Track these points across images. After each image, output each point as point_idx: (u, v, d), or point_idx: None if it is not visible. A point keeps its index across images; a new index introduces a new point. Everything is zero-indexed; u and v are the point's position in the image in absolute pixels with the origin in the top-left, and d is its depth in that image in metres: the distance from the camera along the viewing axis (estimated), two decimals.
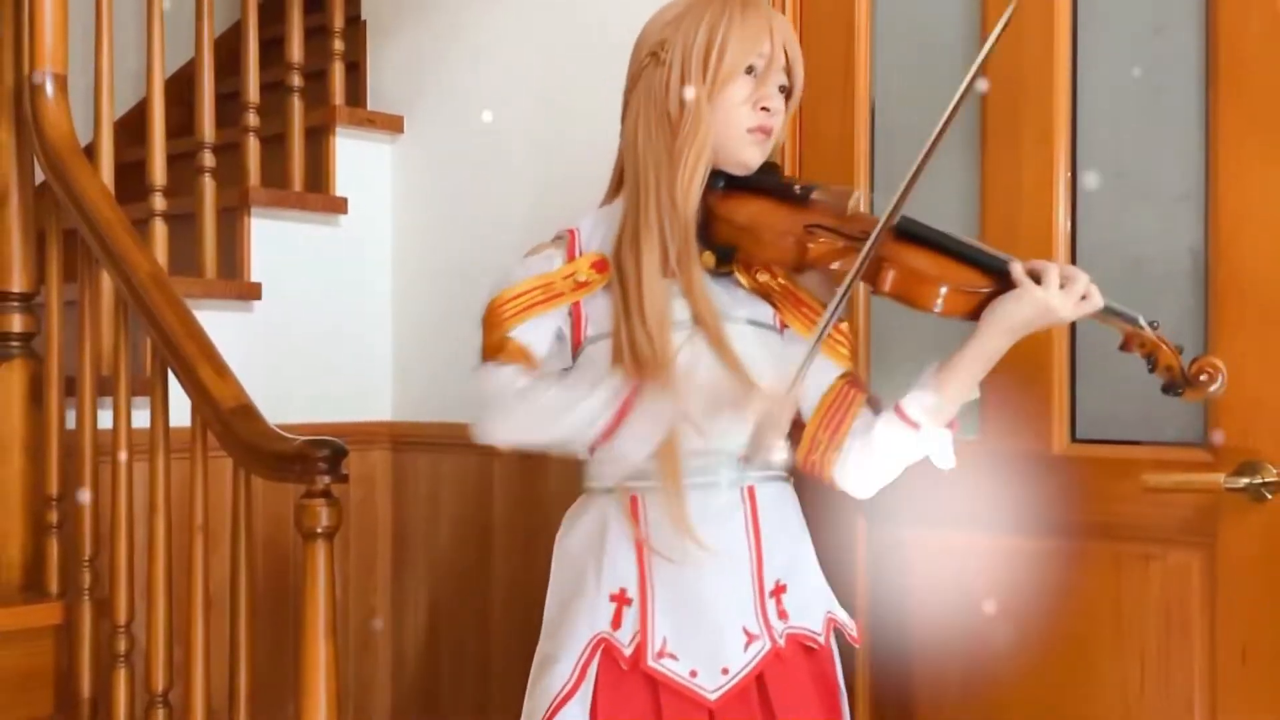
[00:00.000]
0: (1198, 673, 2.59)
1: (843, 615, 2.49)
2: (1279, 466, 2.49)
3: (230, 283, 3.74)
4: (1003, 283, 2.25)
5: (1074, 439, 2.77)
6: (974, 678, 2.85)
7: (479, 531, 3.79)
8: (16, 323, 3.39)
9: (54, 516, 3.28)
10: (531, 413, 2.33)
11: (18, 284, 3.38)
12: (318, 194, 3.97)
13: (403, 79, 4.09)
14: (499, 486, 3.73)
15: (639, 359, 2.26)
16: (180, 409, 2.94)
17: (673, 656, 2.29)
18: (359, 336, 3.99)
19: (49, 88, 3.33)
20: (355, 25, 4.23)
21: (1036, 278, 2.21)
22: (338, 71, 4.07)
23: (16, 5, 3.38)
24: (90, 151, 3.44)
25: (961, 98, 2.20)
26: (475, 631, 3.81)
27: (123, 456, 3.07)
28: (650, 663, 2.29)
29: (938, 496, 2.87)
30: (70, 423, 3.27)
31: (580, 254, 2.40)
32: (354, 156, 4.03)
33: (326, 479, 2.58)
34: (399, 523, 4.01)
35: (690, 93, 2.33)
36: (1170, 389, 2.32)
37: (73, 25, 3.40)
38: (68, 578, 3.27)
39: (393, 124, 4.06)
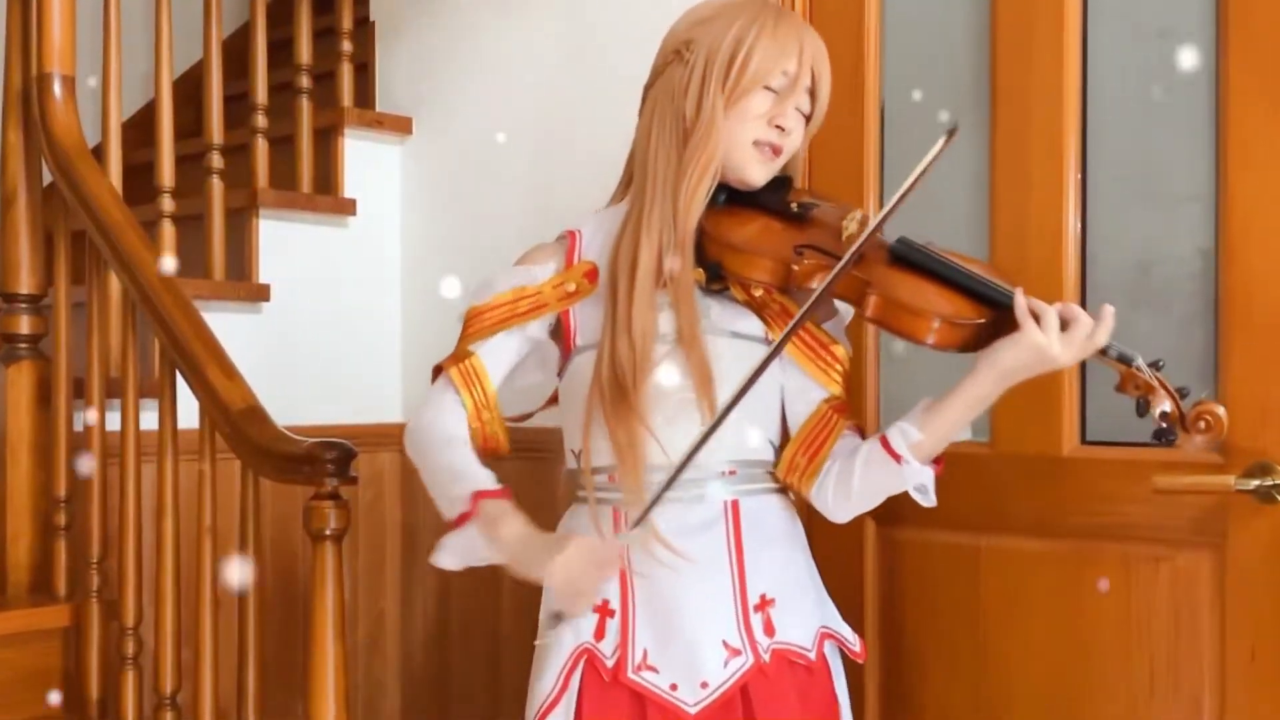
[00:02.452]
0: (1207, 674, 2.61)
1: (842, 630, 2.45)
2: None
3: (239, 284, 3.76)
4: (998, 315, 2.21)
5: (1084, 441, 2.79)
6: (984, 679, 2.86)
7: None
8: (24, 324, 3.41)
9: (62, 518, 3.30)
10: (422, 463, 2.42)
11: (25, 286, 3.40)
12: (326, 196, 3.99)
13: (412, 80, 4.11)
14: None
15: (617, 370, 2.25)
16: (188, 411, 2.97)
17: (653, 669, 2.28)
18: (368, 338, 4.01)
19: (57, 89, 3.35)
20: (364, 26, 4.25)
21: (1036, 318, 2.17)
22: (346, 73, 4.09)
23: (24, 6, 3.40)
24: (98, 153, 3.46)
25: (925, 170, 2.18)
26: (485, 633, 3.82)
27: (131, 458, 3.09)
28: (630, 675, 2.28)
29: (947, 499, 2.88)
30: (78, 424, 3.29)
31: (579, 258, 2.40)
32: (363, 158, 4.05)
33: (335, 481, 2.60)
34: (408, 524, 4.02)
35: (708, 99, 2.29)
36: (1162, 436, 2.21)
37: (81, 26, 3.42)
38: (76, 580, 3.29)
39: (402, 125, 4.07)
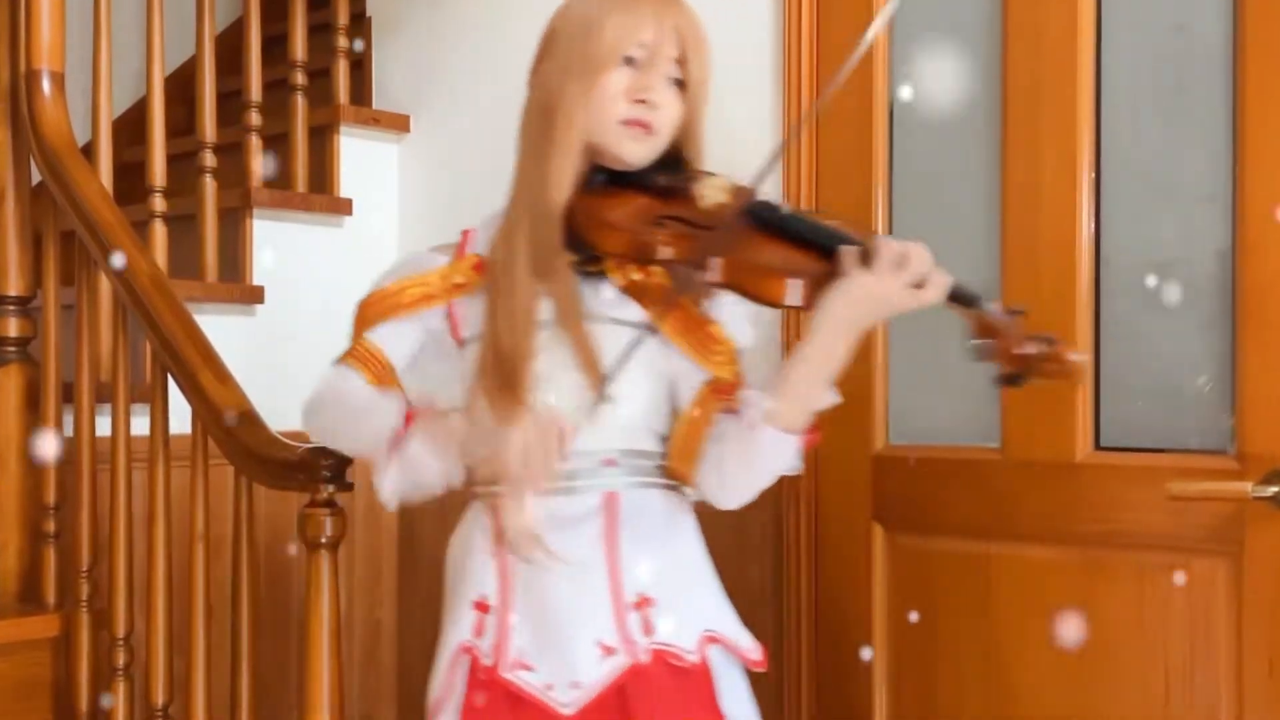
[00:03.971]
0: (1223, 685, 2.60)
1: (732, 634, 2.36)
2: None
3: (232, 286, 3.76)
4: (834, 265, 2.12)
5: (1097, 446, 2.78)
6: (994, 689, 2.86)
7: None
8: (12, 327, 3.40)
9: (51, 525, 3.29)
10: (338, 420, 2.36)
11: (14, 287, 3.40)
12: (322, 195, 4.00)
13: (409, 77, 4.12)
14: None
15: (498, 358, 2.23)
16: (180, 416, 2.96)
17: (528, 668, 2.25)
18: None
19: (46, 86, 3.35)
20: (360, 22, 4.25)
21: (867, 259, 2.07)
22: (342, 69, 4.09)
23: (12, 1, 3.39)
24: (88, 151, 3.46)
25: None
26: None
27: (121, 464, 3.09)
28: (505, 673, 2.26)
29: (956, 505, 2.89)
30: (68, 429, 3.29)
31: (469, 253, 2.39)
32: (359, 156, 4.05)
33: (331, 487, 2.60)
34: (405, 532, 4.02)
35: (563, 80, 2.28)
36: (1011, 379, 2.12)
37: (70, 21, 3.41)
38: (65, 588, 3.28)
39: (399, 123, 4.08)
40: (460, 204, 3.88)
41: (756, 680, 2.39)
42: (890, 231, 3.05)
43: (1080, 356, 2.16)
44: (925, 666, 2.97)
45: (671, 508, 2.37)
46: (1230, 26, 2.65)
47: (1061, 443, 2.78)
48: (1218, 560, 2.62)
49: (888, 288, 2.06)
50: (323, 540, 2.60)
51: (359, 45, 4.22)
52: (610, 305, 2.31)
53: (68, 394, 3.30)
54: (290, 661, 3.45)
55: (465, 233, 2.44)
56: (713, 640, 2.33)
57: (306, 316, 3.89)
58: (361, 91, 4.21)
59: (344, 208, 4.00)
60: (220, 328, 3.31)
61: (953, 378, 2.95)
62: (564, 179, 2.27)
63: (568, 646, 2.25)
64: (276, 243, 3.86)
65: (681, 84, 2.31)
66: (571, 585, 2.26)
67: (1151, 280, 2.73)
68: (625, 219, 2.25)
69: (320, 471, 2.59)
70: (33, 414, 3.36)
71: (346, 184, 4.03)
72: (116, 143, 3.64)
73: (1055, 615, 2.78)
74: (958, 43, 2.99)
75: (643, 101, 2.27)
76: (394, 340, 2.38)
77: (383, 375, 2.36)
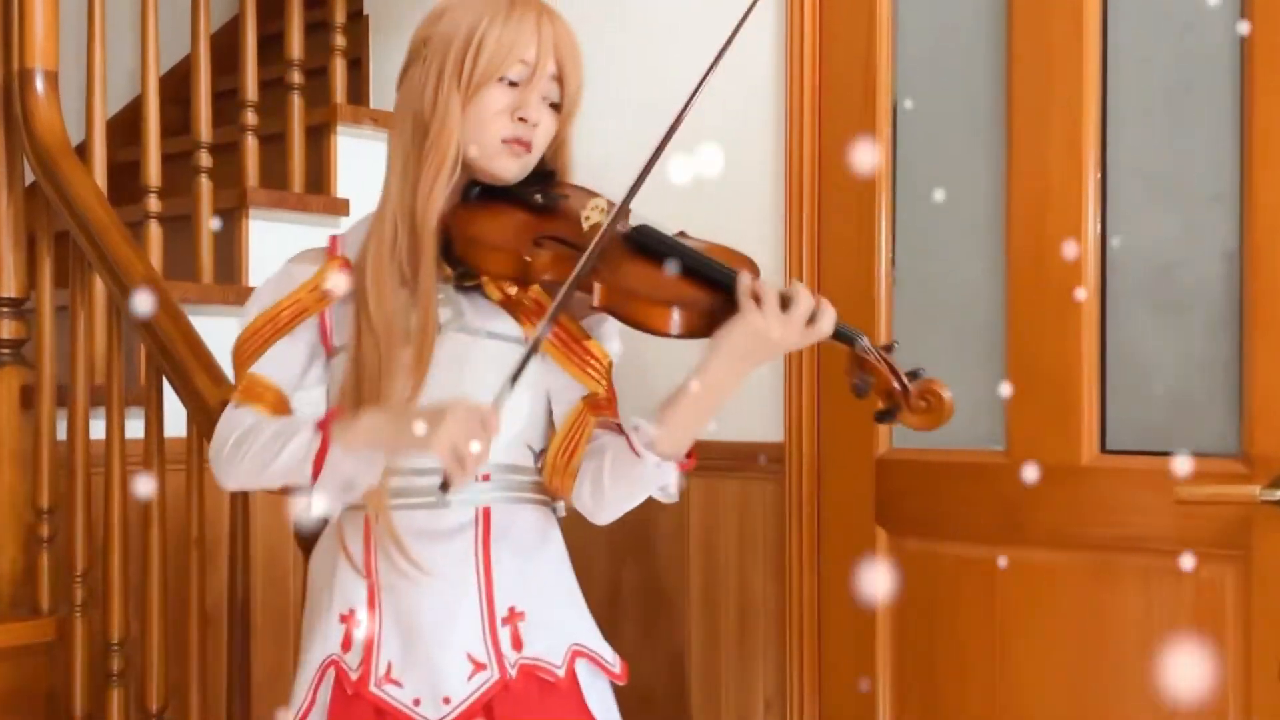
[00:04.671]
0: (1232, 692, 2.60)
1: (599, 649, 2.39)
2: None
3: (228, 287, 3.76)
4: (726, 298, 2.18)
5: (1104, 450, 2.78)
6: (1000, 695, 2.86)
7: None
8: (6, 329, 3.40)
9: (45, 530, 3.30)
10: (251, 455, 2.28)
11: (7, 289, 3.40)
12: (319, 195, 4.00)
13: None
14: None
15: (363, 372, 2.23)
16: (176, 418, 2.96)
17: (396, 683, 2.26)
18: None
19: (40, 85, 3.35)
20: (357, 20, 4.26)
21: (757, 300, 2.14)
22: (339, 68, 4.10)
23: (5, 0, 3.40)
24: (82, 151, 3.46)
25: (691, 100, 2.19)
26: None
27: (116, 467, 3.09)
28: (373, 689, 2.26)
29: (962, 508, 2.88)
30: (61, 433, 3.29)
31: (335, 258, 2.36)
32: (356, 156, 4.05)
33: None
34: None
35: (442, 95, 2.27)
36: (883, 416, 2.21)
37: (64, 20, 3.42)
38: (59, 593, 3.29)
39: None
40: None
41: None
42: (894, 234, 3.05)
43: (950, 395, 2.20)
44: (930, 673, 2.97)
45: (541, 523, 2.40)
46: (1238, 24, 2.64)
47: (1067, 446, 2.78)
48: (1225, 564, 2.62)
49: (774, 328, 2.13)
50: None
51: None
52: (485, 319, 2.33)
53: (61, 396, 3.31)
54: (288, 667, 3.44)
55: (333, 239, 2.41)
56: (580, 654, 2.35)
57: None
58: (359, 91, 4.21)
59: (341, 208, 4.00)
60: (216, 329, 3.29)
61: (956, 380, 2.95)
62: (439, 192, 2.27)
63: (437, 661, 2.26)
64: (272, 244, 3.86)
65: (557, 102, 2.34)
66: (442, 599, 2.27)
67: (1158, 281, 2.73)
68: (504, 239, 2.26)
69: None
70: (26, 416, 3.36)
71: (343, 184, 4.03)
72: (111, 143, 3.64)
73: (1061, 620, 2.78)
74: (962, 42, 2.99)
75: (523, 120, 2.29)
76: (278, 366, 2.34)
77: (278, 405, 2.34)
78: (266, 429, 2.28)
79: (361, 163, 4.06)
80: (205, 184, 3.76)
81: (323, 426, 2.22)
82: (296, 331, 2.34)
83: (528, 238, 2.26)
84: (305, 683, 2.32)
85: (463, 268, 2.30)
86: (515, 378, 2.12)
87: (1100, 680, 2.74)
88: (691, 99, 2.18)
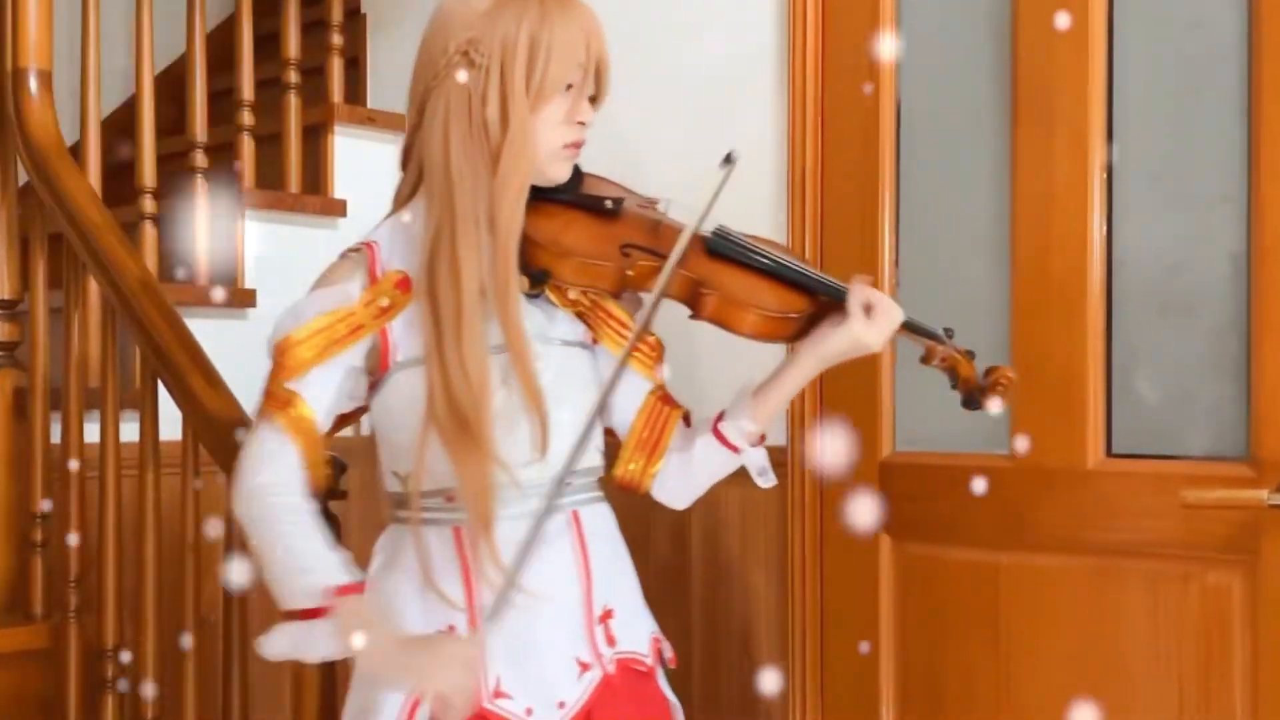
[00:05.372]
0: (1239, 699, 2.61)
1: (662, 636, 2.46)
2: None
3: (223, 289, 3.76)
4: (818, 305, 2.30)
5: (1109, 453, 2.79)
6: (1004, 700, 2.86)
7: None
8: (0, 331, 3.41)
9: (39, 534, 3.29)
10: (262, 530, 2.26)
11: (1, 291, 3.40)
12: (315, 196, 4.00)
13: (405, 75, 4.09)
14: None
15: (454, 401, 2.20)
16: (171, 422, 2.96)
17: (507, 696, 2.25)
18: None
19: (33, 84, 3.34)
20: (355, 19, 4.26)
21: (868, 309, 2.28)
22: (336, 67, 4.10)
23: None
24: (76, 151, 3.46)
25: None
26: None
27: (111, 471, 3.09)
28: (485, 704, 2.24)
29: (966, 512, 2.88)
30: (55, 436, 3.29)
31: (382, 270, 2.31)
32: (353, 156, 4.05)
33: (324, 496, 2.60)
34: None
35: (514, 107, 2.23)
36: (969, 403, 2.34)
37: (58, 18, 3.41)
38: (53, 599, 3.28)
39: (394, 122, 4.08)
40: None
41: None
42: (898, 236, 3.05)
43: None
44: (934, 679, 2.97)
45: (614, 520, 2.44)
46: (1245, 24, 2.65)
47: (1073, 449, 2.79)
48: (1233, 570, 2.62)
49: (870, 332, 2.27)
50: None
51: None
52: (554, 326, 2.34)
53: (55, 400, 3.30)
54: (284, 674, 3.44)
55: (369, 246, 2.35)
56: (658, 642, 2.43)
57: None
58: (356, 90, 4.21)
59: (338, 209, 4.00)
60: (211, 332, 3.30)
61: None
62: (520, 204, 2.25)
63: (549, 668, 2.28)
64: (269, 245, 3.86)
65: (593, 95, 2.34)
66: (551, 606, 2.28)
67: (1164, 283, 2.73)
68: (591, 247, 2.27)
69: None
70: (20, 420, 3.36)
71: (340, 185, 4.03)
72: (105, 143, 3.63)
73: (1067, 625, 2.79)
74: (966, 42, 2.99)
75: (580, 123, 2.30)
76: (323, 391, 2.30)
77: (311, 442, 2.30)
78: (289, 528, 2.26)
79: (359, 163, 4.06)
80: (201, 184, 3.76)
81: (331, 595, 2.20)
82: (348, 352, 2.30)
83: (615, 247, 2.28)
84: (397, 706, 2.26)
85: (540, 278, 2.29)
86: (599, 410, 2.26)
87: (1106, 688, 2.74)
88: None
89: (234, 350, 3.51)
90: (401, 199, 2.42)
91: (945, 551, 2.95)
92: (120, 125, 4.69)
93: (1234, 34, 2.66)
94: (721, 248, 2.31)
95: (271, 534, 2.27)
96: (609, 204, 2.32)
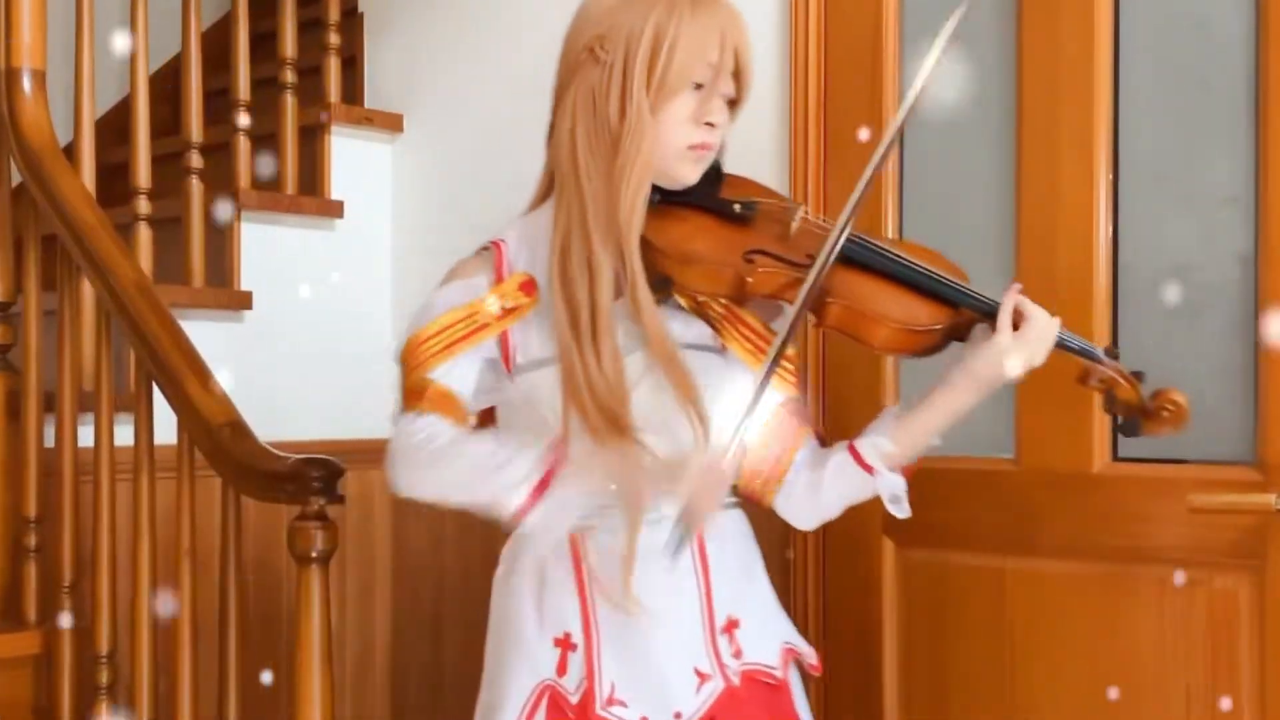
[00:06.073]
0: (1246, 705, 2.61)
1: (801, 644, 2.44)
2: None
3: (219, 291, 3.77)
4: (963, 318, 2.22)
5: (1115, 457, 2.79)
6: (1009, 708, 2.86)
7: (485, 555, 3.78)
8: None
9: (32, 539, 3.30)
10: (452, 471, 2.26)
11: None
12: (312, 197, 4.00)
13: (402, 75, 4.12)
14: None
15: (598, 398, 2.19)
16: (166, 425, 2.96)
17: (622, 703, 2.26)
18: (356, 348, 4.00)
19: (26, 84, 3.35)
20: (352, 18, 4.26)
21: (1018, 323, 2.20)
22: (333, 67, 4.10)
23: None
24: (70, 152, 3.46)
25: (909, 113, 2.20)
26: (481, 660, 3.81)
27: (105, 475, 3.09)
28: (599, 711, 2.26)
29: (971, 518, 2.89)
30: (49, 440, 3.29)
31: (509, 272, 2.33)
32: (351, 157, 4.06)
33: (322, 500, 2.60)
34: (399, 546, 4.03)
35: (632, 102, 2.23)
36: (1128, 428, 2.26)
37: (52, 18, 3.42)
38: (47, 604, 3.28)
39: (392, 122, 4.08)
40: (456, 207, 3.89)
41: None
42: (901, 237, 3.05)
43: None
44: (938, 686, 2.97)
45: (744, 526, 2.43)
46: (1252, 24, 2.65)
47: (1078, 453, 2.79)
48: (1240, 575, 2.62)
49: (1023, 349, 2.18)
50: (313, 554, 2.59)
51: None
52: (681, 329, 2.32)
53: (49, 403, 3.31)
54: (280, 681, 3.44)
55: (497, 245, 2.37)
56: (791, 653, 2.40)
57: (296, 323, 3.89)
58: (353, 90, 4.21)
59: (335, 210, 4.00)
60: (207, 334, 3.31)
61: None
62: (641, 204, 2.23)
63: (665, 677, 2.28)
64: (265, 247, 3.86)
65: (733, 97, 2.31)
66: (668, 615, 2.28)
67: (1171, 285, 2.73)
68: (718, 256, 2.24)
69: (310, 483, 2.59)
70: (13, 423, 3.36)
71: (338, 186, 4.03)
72: (99, 143, 3.63)
73: (1072, 632, 2.79)
74: (971, 42, 2.99)
75: (709, 124, 2.27)
76: (460, 374, 2.31)
77: (463, 417, 2.31)
78: (476, 445, 2.26)
79: (356, 164, 4.06)
80: (196, 185, 3.76)
81: (550, 459, 2.20)
82: (479, 347, 2.30)
83: (738, 253, 2.25)
84: (515, 711, 2.29)
85: (662, 284, 2.26)
86: (747, 417, 2.16)
87: (1113, 694, 2.74)
88: (902, 114, 2.22)
89: (230, 353, 3.54)
90: (537, 199, 2.43)
91: (949, 556, 2.95)
92: (115, 125, 4.70)
93: (1241, 34, 2.67)
94: (853, 253, 2.23)
95: (452, 470, 2.26)
96: (737, 208, 2.29)
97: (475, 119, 3.89)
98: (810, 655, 2.44)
